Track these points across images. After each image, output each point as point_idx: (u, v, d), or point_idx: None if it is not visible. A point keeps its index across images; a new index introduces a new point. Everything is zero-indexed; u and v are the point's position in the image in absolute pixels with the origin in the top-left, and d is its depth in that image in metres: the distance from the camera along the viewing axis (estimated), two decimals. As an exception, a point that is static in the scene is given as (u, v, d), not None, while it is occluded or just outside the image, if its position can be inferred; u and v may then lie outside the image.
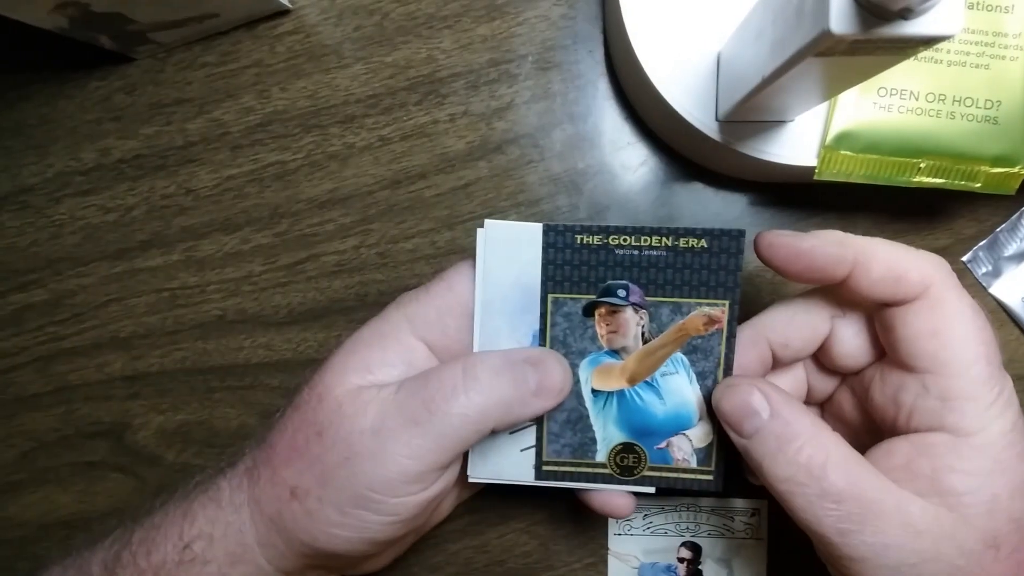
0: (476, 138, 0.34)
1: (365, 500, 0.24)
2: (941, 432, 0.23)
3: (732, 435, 0.25)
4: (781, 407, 0.24)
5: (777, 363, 0.27)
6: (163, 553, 0.25)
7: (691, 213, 0.34)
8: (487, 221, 0.26)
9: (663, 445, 0.27)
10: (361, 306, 0.35)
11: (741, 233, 0.25)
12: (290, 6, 0.34)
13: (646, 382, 0.27)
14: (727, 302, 0.26)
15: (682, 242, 0.26)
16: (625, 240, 0.26)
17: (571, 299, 0.26)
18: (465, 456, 0.27)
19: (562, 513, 0.35)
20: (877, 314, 0.25)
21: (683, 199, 0.34)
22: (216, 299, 0.35)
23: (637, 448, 0.27)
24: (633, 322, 0.27)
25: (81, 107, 0.35)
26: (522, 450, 0.28)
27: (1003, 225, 0.34)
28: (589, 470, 0.28)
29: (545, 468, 0.28)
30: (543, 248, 0.26)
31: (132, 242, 0.35)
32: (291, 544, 0.25)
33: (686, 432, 0.27)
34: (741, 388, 0.25)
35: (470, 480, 0.28)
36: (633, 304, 0.26)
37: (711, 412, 0.27)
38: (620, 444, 0.27)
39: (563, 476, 0.28)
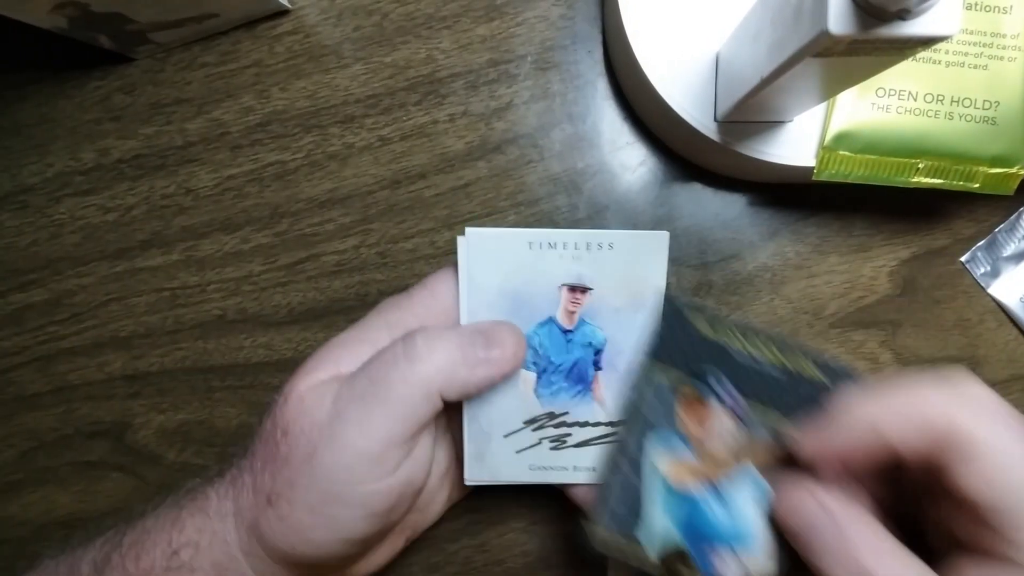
0: (475, 138, 0.34)
1: (331, 495, 0.24)
2: (1009, 564, 0.21)
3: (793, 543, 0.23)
4: (840, 518, 0.22)
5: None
6: (151, 559, 0.25)
7: (690, 213, 0.34)
8: (468, 229, 0.26)
9: (714, 555, 0.25)
10: (361, 306, 0.35)
11: (853, 377, 0.24)
12: (289, 6, 0.34)
13: (715, 488, 0.26)
14: None
15: (803, 367, 0.25)
16: (741, 343, 0.25)
17: (665, 371, 0.26)
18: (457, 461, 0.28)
19: (562, 512, 0.35)
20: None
21: (682, 199, 0.34)
22: (216, 299, 0.35)
23: (692, 561, 0.25)
24: (720, 419, 0.25)
25: (80, 107, 0.35)
26: (518, 452, 0.28)
27: (1002, 225, 0.34)
28: (638, 563, 0.26)
29: (599, 538, 0.26)
30: (663, 317, 0.26)
31: (132, 242, 0.35)
32: (272, 553, 0.25)
33: (743, 555, 0.25)
34: (797, 494, 0.23)
35: (467, 483, 0.28)
36: (727, 404, 0.26)
37: (778, 542, 0.24)
38: (677, 550, 0.25)
39: (615, 552, 0.26)
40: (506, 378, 0.27)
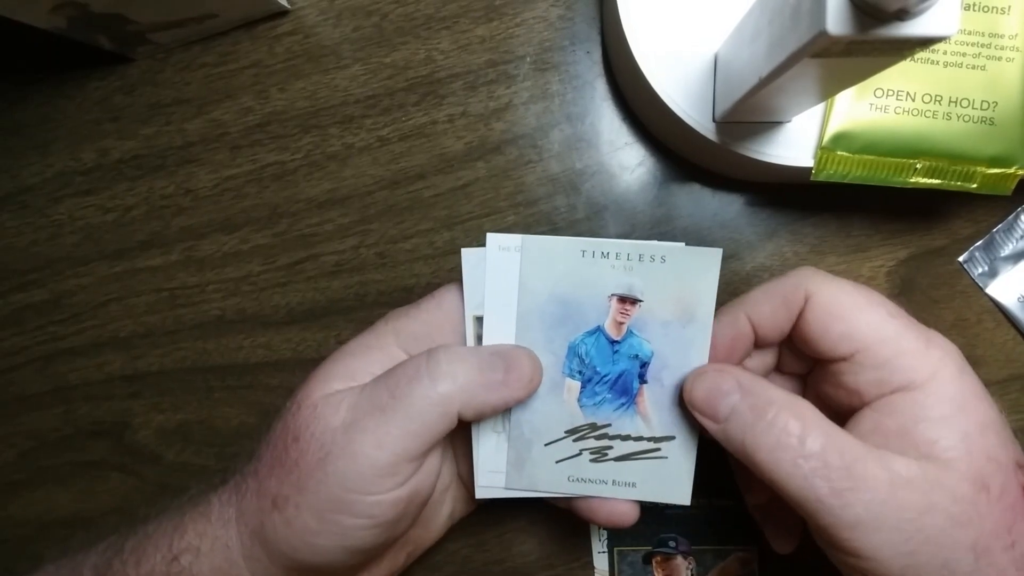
0: (474, 139, 0.34)
1: (340, 502, 0.24)
2: (896, 392, 0.24)
3: (708, 424, 0.25)
4: (751, 383, 0.24)
5: (760, 341, 0.27)
6: (152, 564, 0.26)
7: (688, 213, 0.34)
8: (524, 236, 0.26)
9: None
10: (360, 306, 0.35)
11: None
12: (289, 7, 0.34)
13: None
14: (757, 547, 0.33)
15: (714, 501, 0.33)
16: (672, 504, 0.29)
17: (632, 550, 0.33)
18: (462, 472, 0.28)
19: (561, 512, 0.35)
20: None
21: (680, 199, 0.34)
22: (216, 299, 0.35)
23: None
24: (683, 567, 0.33)
25: (80, 107, 0.35)
26: (557, 461, 0.28)
27: (999, 225, 0.34)
28: None
29: None
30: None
31: (131, 242, 0.35)
32: (274, 558, 0.25)
33: None
34: (708, 374, 0.25)
35: (505, 493, 0.28)
36: (681, 552, 0.33)
37: None
38: None
39: None
40: (519, 403, 0.27)
